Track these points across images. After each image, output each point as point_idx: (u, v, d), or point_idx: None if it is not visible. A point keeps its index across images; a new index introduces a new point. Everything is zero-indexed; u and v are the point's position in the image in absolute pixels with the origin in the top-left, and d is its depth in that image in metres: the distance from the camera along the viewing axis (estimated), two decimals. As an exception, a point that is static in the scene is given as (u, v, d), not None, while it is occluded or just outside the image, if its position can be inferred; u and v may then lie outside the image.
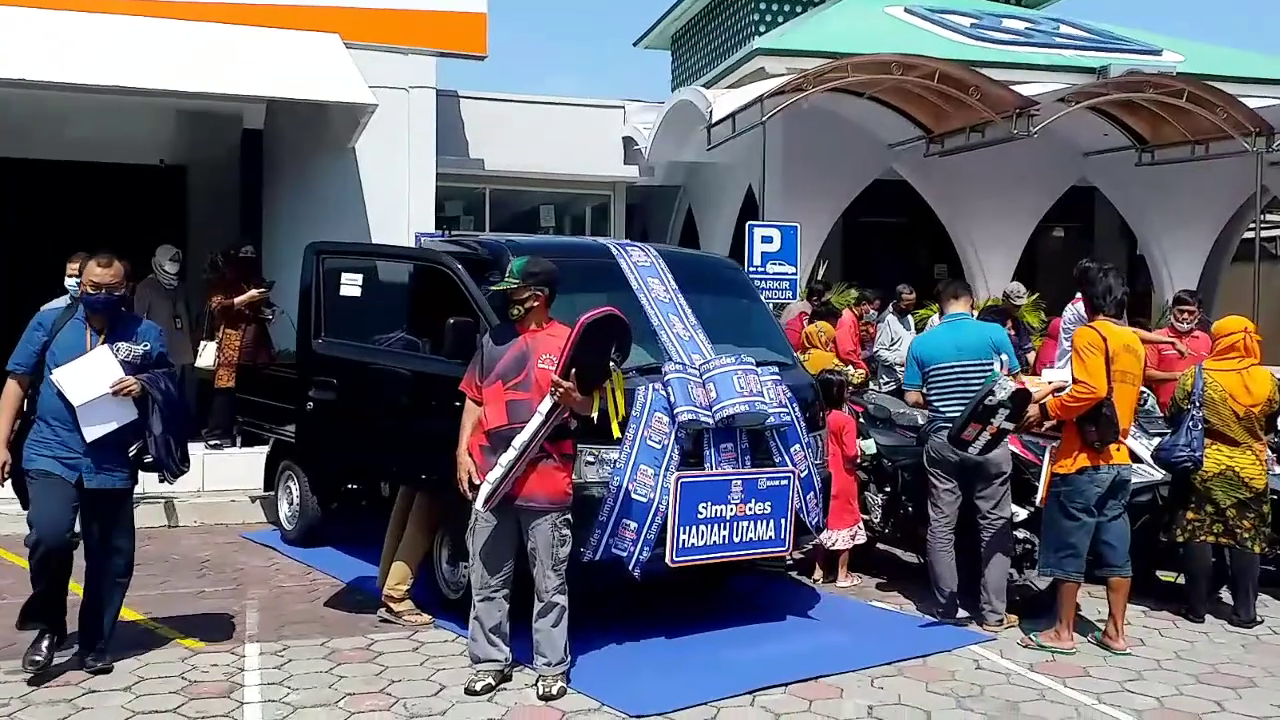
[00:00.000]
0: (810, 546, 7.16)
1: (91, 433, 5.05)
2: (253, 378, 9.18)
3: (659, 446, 5.68)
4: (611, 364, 5.07)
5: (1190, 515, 6.35)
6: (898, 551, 7.75)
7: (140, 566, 7.38)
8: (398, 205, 11.68)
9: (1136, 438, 6.96)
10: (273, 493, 8.52)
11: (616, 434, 5.22)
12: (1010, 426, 5.81)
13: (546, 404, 4.95)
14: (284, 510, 8.36)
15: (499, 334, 5.23)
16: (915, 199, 15.81)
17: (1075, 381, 5.65)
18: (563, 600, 5.15)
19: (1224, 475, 6.23)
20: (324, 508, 7.94)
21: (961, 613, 6.36)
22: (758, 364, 6.06)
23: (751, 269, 11.50)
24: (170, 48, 10.02)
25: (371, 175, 11.81)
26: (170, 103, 10.48)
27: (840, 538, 7.08)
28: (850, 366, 10.01)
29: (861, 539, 7.21)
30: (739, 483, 5.81)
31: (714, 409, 5.77)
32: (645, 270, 6.40)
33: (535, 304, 5.16)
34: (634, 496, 5.57)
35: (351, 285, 6.04)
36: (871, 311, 10.89)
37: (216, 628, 6.09)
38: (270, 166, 11.42)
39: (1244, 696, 5.22)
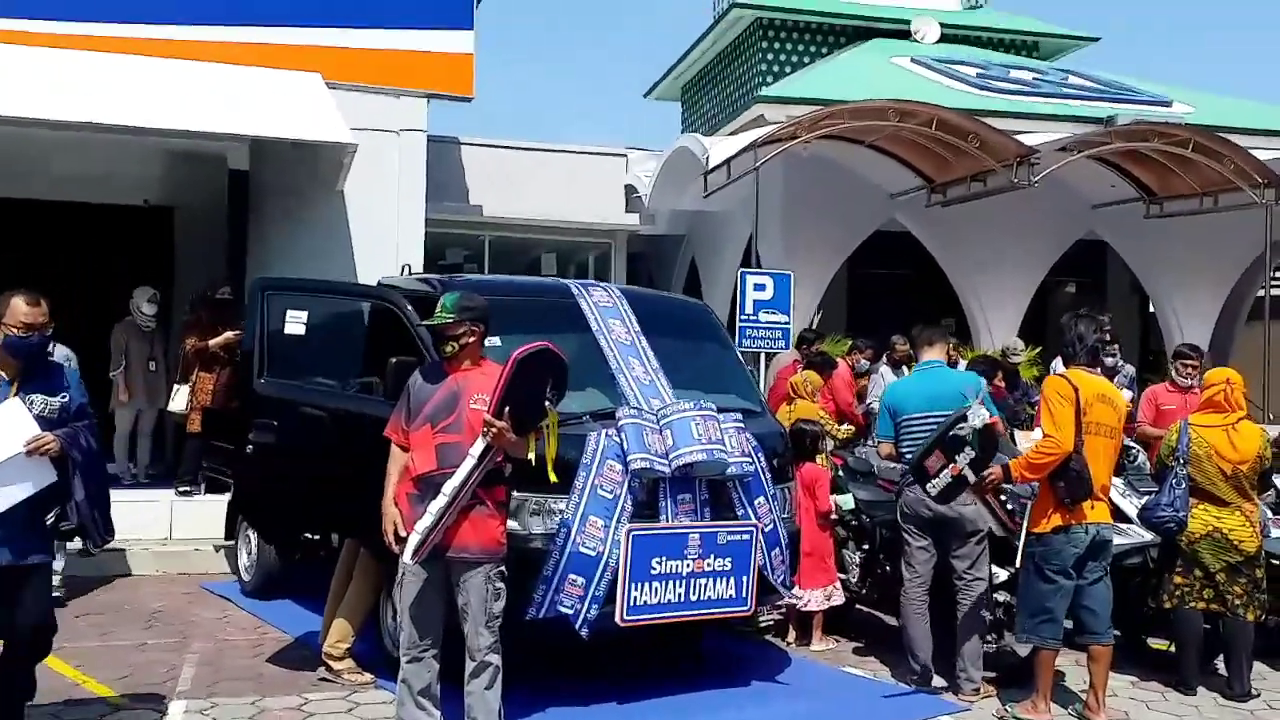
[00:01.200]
0: (782, 606, 6.81)
1: (1, 501, 4.35)
2: (218, 422, 8.93)
3: (610, 496, 5.38)
4: (547, 403, 4.78)
5: (1178, 580, 5.98)
6: (880, 614, 7.38)
7: (87, 616, 7.21)
8: (387, 248, 11.46)
9: (1126, 496, 6.63)
10: (233, 542, 8.23)
11: (553, 478, 4.92)
12: (971, 477, 5.45)
13: (479, 446, 4.65)
14: (243, 560, 8.07)
15: (427, 374, 4.94)
16: (922, 251, 15.56)
17: (1043, 435, 5.32)
18: (496, 660, 4.82)
19: (1211, 537, 5.86)
20: (282, 558, 7.65)
21: (937, 680, 5.99)
22: (720, 410, 5.77)
23: (743, 317, 11.26)
24: (150, 85, 9.89)
25: (360, 218, 11.63)
26: (154, 142, 10.34)
27: (814, 598, 6.72)
28: (843, 422, 9.70)
29: (838, 600, 6.84)
30: (697, 536, 5.50)
31: (670, 457, 5.48)
32: (607, 311, 6.15)
33: (470, 340, 4.88)
34: (582, 550, 5.27)
35: (296, 323, 5.79)
36: (863, 362, 10.57)
37: (147, 683, 5.80)
38: (258, 208, 11.28)
39: (1231, 778, 4.84)
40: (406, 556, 4.67)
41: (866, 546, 7.07)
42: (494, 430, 4.63)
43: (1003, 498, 5.93)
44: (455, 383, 4.82)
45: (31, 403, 4.51)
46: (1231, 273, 15.98)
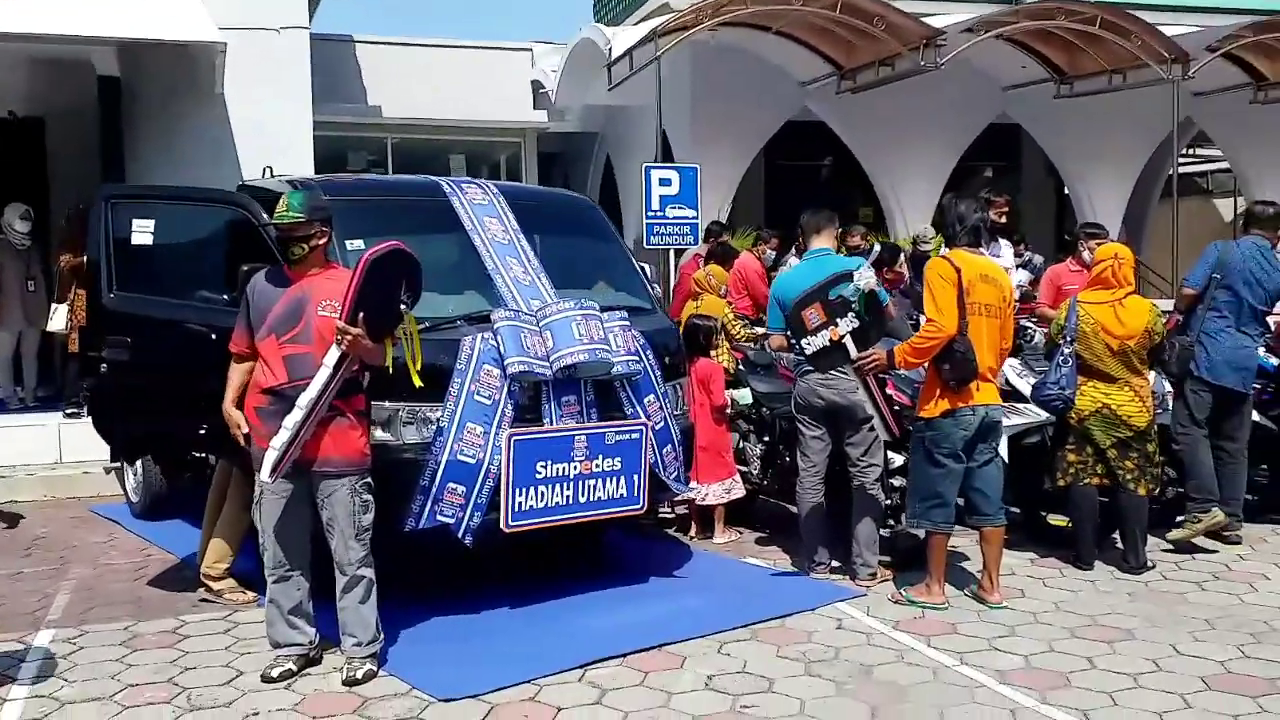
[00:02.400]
0: (682, 502, 6.72)
1: None
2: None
3: (489, 402, 5.17)
4: (402, 306, 4.53)
5: (1071, 457, 5.94)
6: (784, 504, 7.30)
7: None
8: (273, 153, 10.82)
9: (1022, 376, 6.58)
10: (119, 464, 7.91)
11: (417, 382, 4.69)
12: (852, 350, 5.29)
13: (333, 355, 4.39)
14: (130, 482, 7.77)
15: (268, 280, 4.62)
16: (838, 140, 15.33)
17: (925, 320, 5.19)
18: (369, 574, 4.64)
19: (1101, 414, 5.81)
20: (168, 479, 7.38)
21: (835, 567, 5.94)
22: (606, 309, 5.55)
23: (650, 214, 10.99)
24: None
25: (244, 122, 11.03)
26: (14, 49, 9.70)
27: (712, 491, 6.63)
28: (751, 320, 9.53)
29: (738, 493, 6.75)
30: (583, 438, 5.32)
31: (551, 359, 5.26)
32: (481, 209, 5.86)
33: (320, 241, 4.59)
34: (460, 458, 5.07)
35: (143, 232, 5.42)
36: (770, 253, 10.36)
37: (17, 613, 5.55)
38: (134, 116, 10.67)
39: (1118, 650, 4.83)
40: (264, 474, 4.43)
41: (767, 439, 6.96)
42: (348, 338, 4.37)
43: (889, 393, 5.80)
44: (300, 289, 4.53)
45: None
46: (1142, 152, 16.00)
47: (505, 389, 5.18)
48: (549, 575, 5.89)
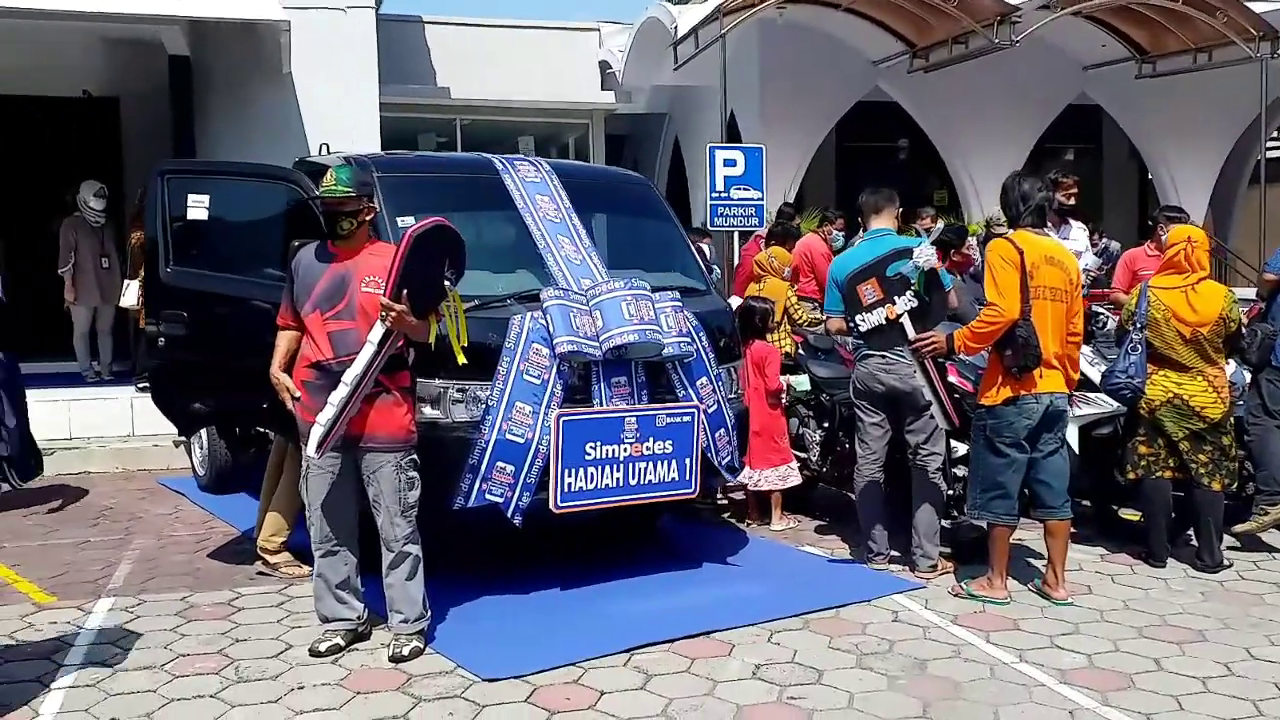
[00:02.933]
0: (737, 489, 6.62)
1: None
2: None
3: (538, 381, 5.11)
4: (446, 283, 4.48)
5: (1142, 450, 5.72)
6: (845, 492, 7.17)
7: (35, 515, 7.04)
8: (340, 132, 10.94)
9: (1094, 364, 6.35)
10: (186, 438, 8.02)
11: (461, 359, 4.66)
12: (910, 330, 5.16)
13: (378, 332, 4.37)
14: (196, 455, 7.88)
15: (312, 255, 4.60)
16: (912, 121, 15.04)
17: (986, 303, 5.01)
18: (416, 550, 4.62)
19: (1172, 404, 5.58)
20: (232, 453, 7.45)
21: (894, 558, 5.80)
22: (657, 289, 5.46)
23: (714, 195, 10.88)
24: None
25: (311, 101, 11.13)
26: (87, 29, 9.89)
27: (765, 478, 6.50)
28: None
29: (794, 481, 6.61)
30: (633, 420, 5.24)
31: (601, 339, 5.19)
32: (534, 187, 5.80)
33: (368, 218, 4.57)
34: (509, 437, 5.02)
35: (198, 207, 5.44)
36: (836, 234, 10.15)
37: (80, 581, 5.64)
38: (204, 96, 10.83)
39: (1188, 652, 4.63)
40: (310, 450, 4.43)
41: (826, 425, 6.82)
42: (392, 314, 4.34)
43: (951, 379, 5.64)
44: (344, 265, 4.51)
45: None
46: (1229, 134, 15.47)
47: (554, 369, 5.12)
48: (600, 559, 5.83)
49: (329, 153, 6.21)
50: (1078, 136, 16.86)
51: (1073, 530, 6.27)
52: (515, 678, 4.30)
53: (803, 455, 6.87)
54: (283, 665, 4.47)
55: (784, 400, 6.66)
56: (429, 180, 5.90)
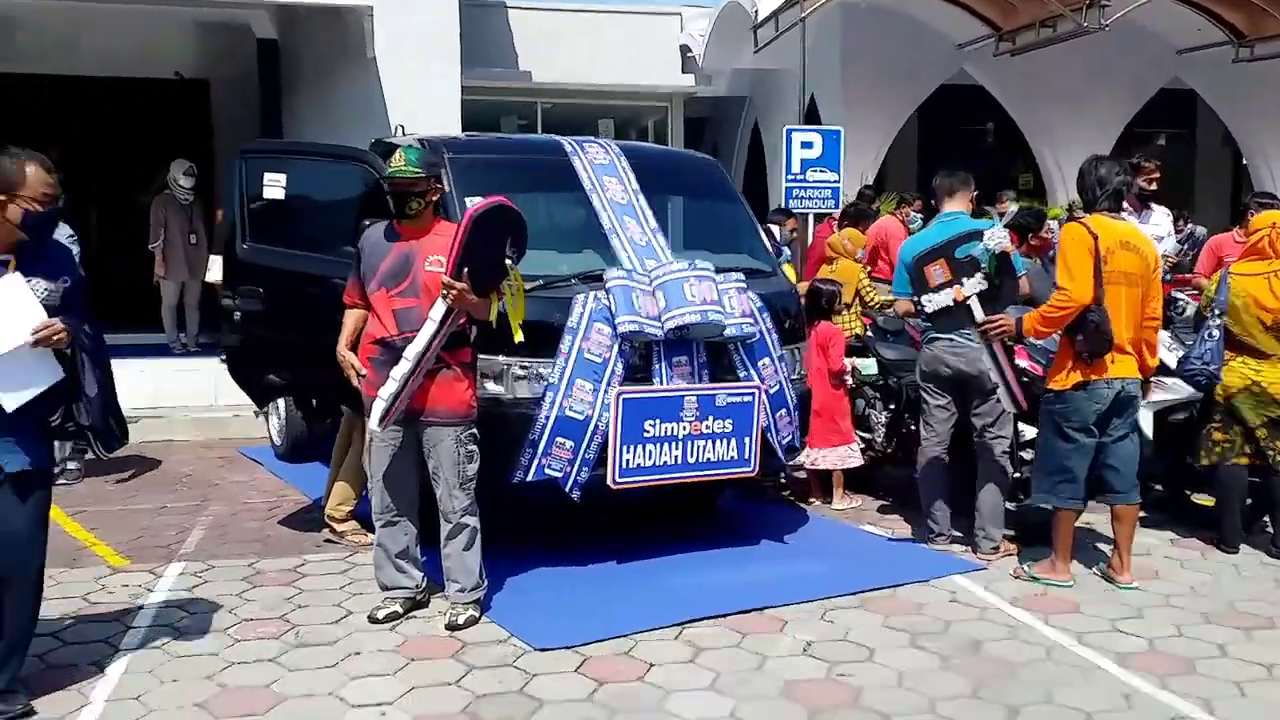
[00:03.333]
0: (798, 468, 6.59)
1: (11, 400, 3.61)
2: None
3: (599, 360, 5.15)
4: (508, 261, 4.54)
5: (1217, 435, 5.56)
6: (911, 472, 7.09)
7: (116, 480, 7.29)
8: (421, 116, 11.15)
9: (1172, 350, 6.18)
10: (262, 409, 8.23)
11: (518, 337, 4.72)
12: (978, 312, 5.10)
13: (439, 309, 4.44)
14: (274, 425, 8.10)
15: (379, 235, 4.68)
16: (997, 104, 14.77)
17: (1057, 287, 4.91)
18: (474, 522, 4.69)
19: (1250, 391, 5.41)
20: (308, 423, 7.64)
21: (957, 537, 5.74)
22: (722, 270, 5.45)
23: (790, 177, 10.81)
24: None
25: (394, 84, 11.30)
26: (180, 13, 10.20)
27: (825, 458, 6.46)
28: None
29: (855, 462, 6.55)
30: (693, 399, 5.25)
31: (663, 319, 5.21)
32: (602, 169, 5.82)
33: (435, 198, 4.64)
34: (569, 413, 5.06)
35: (274, 186, 5.58)
36: (915, 215, 9.98)
37: (154, 545, 5.84)
38: (291, 78, 11.11)
39: (1255, 638, 4.51)
40: (373, 424, 4.53)
41: (893, 406, 6.75)
42: (454, 292, 4.41)
43: (1021, 363, 5.54)
44: (408, 244, 4.59)
45: (34, 285, 3.70)
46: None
47: (616, 348, 5.15)
48: (659, 534, 5.85)
49: (404, 134, 6.30)
50: (1170, 121, 16.39)
51: (1144, 515, 6.18)
52: (566, 648, 4.35)
53: (867, 436, 6.82)
54: (341, 631, 4.58)
55: (848, 382, 6.59)
56: (499, 162, 5.95)
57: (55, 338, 3.65)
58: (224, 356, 8.39)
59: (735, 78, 16.54)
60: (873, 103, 13.59)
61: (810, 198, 10.72)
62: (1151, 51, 13.83)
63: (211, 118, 11.95)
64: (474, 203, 5.16)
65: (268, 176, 5.57)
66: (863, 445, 6.73)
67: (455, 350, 4.60)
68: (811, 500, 6.69)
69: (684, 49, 16.01)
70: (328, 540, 5.84)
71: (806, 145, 10.67)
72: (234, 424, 8.99)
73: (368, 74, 11.35)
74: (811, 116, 14.25)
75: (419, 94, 11.29)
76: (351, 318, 4.75)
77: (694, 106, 17.70)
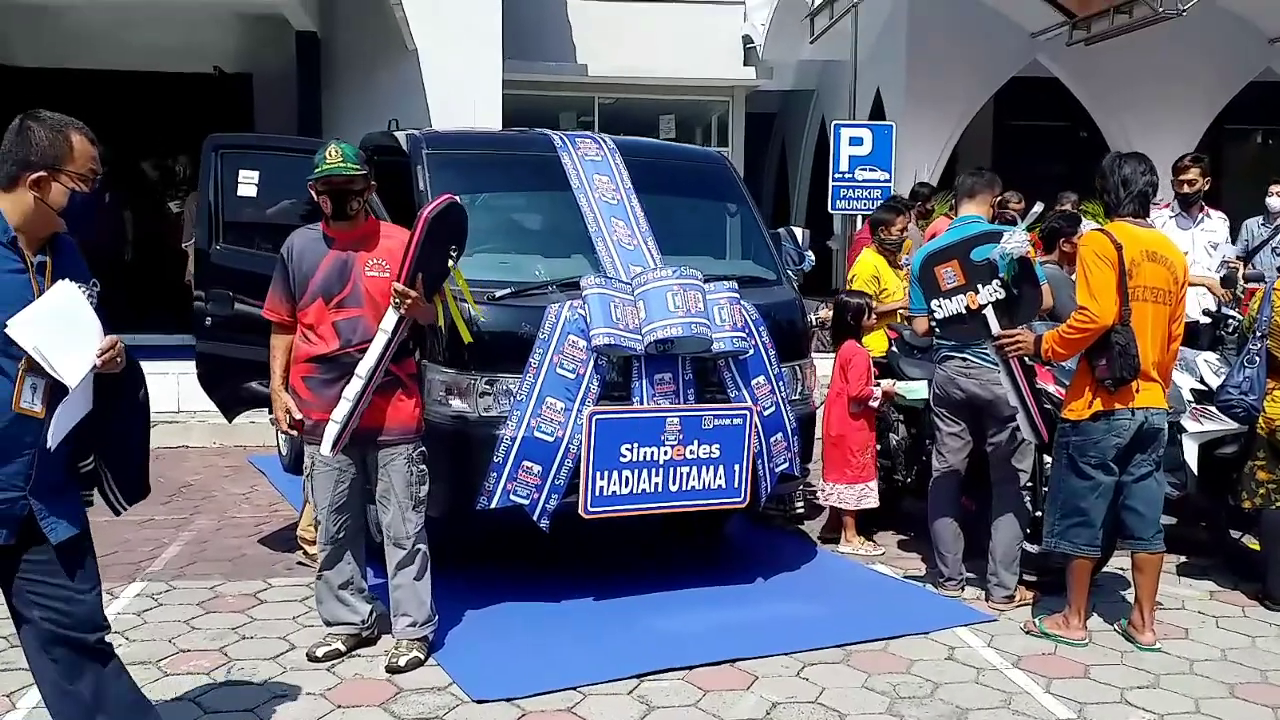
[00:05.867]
0: (808, 492, 6.13)
1: (57, 434, 2.79)
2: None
3: (572, 376, 4.77)
4: (450, 262, 4.19)
5: (1261, 475, 4.97)
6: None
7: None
8: (463, 110, 10.92)
9: (1219, 372, 5.60)
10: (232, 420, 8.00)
11: (467, 338, 4.40)
12: (993, 325, 4.64)
13: (391, 319, 4.11)
14: (281, 435, 7.86)
15: (305, 242, 4.31)
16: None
17: (1077, 306, 4.38)
18: (425, 547, 4.36)
19: (1297, 426, 4.82)
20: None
21: (969, 580, 5.24)
22: (709, 279, 5.03)
23: (837, 175, 10.29)
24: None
25: (435, 77, 11.11)
26: (218, 6, 10.06)
27: (839, 494, 5.91)
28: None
29: (870, 502, 5.93)
30: (675, 420, 4.85)
31: (644, 332, 4.80)
32: (592, 165, 5.44)
33: (369, 196, 4.31)
34: (538, 435, 4.70)
35: (248, 184, 5.31)
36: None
37: (124, 562, 5.62)
38: (331, 72, 10.95)
39: (1286, 720, 3.96)
40: (325, 449, 4.20)
41: (914, 431, 6.23)
42: (408, 301, 4.07)
43: (1045, 387, 5.01)
44: (343, 249, 4.24)
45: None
46: None
47: (591, 363, 4.77)
48: (641, 566, 5.49)
49: (397, 128, 5.98)
50: (1266, 116, 15.36)
51: (1185, 560, 5.61)
52: (506, 699, 3.99)
53: (887, 464, 6.30)
54: (275, 670, 4.28)
55: (874, 407, 5.95)
56: (479, 157, 5.62)
57: (118, 359, 2.87)
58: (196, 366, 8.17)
59: (801, 70, 15.99)
60: (940, 96, 12.94)
61: (858, 197, 10.18)
62: (1242, 39, 12.92)
63: (254, 113, 11.83)
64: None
65: (241, 173, 5.31)
66: (883, 475, 6.19)
67: (401, 361, 4.28)
68: (827, 532, 6.18)
69: (746, 40, 15.51)
70: (300, 563, 5.57)
71: (856, 142, 10.14)
72: (250, 430, 8.74)
73: (408, 67, 11.16)
74: (879, 112, 13.65)
75: (459, 86, 11.07)
76: (282, 345, 4.39)
77: (760, 101, 17.18)
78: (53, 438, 2.78)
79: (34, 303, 2.74)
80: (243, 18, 10.70)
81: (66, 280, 2.81)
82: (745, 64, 15.52)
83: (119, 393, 2.95)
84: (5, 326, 2.68)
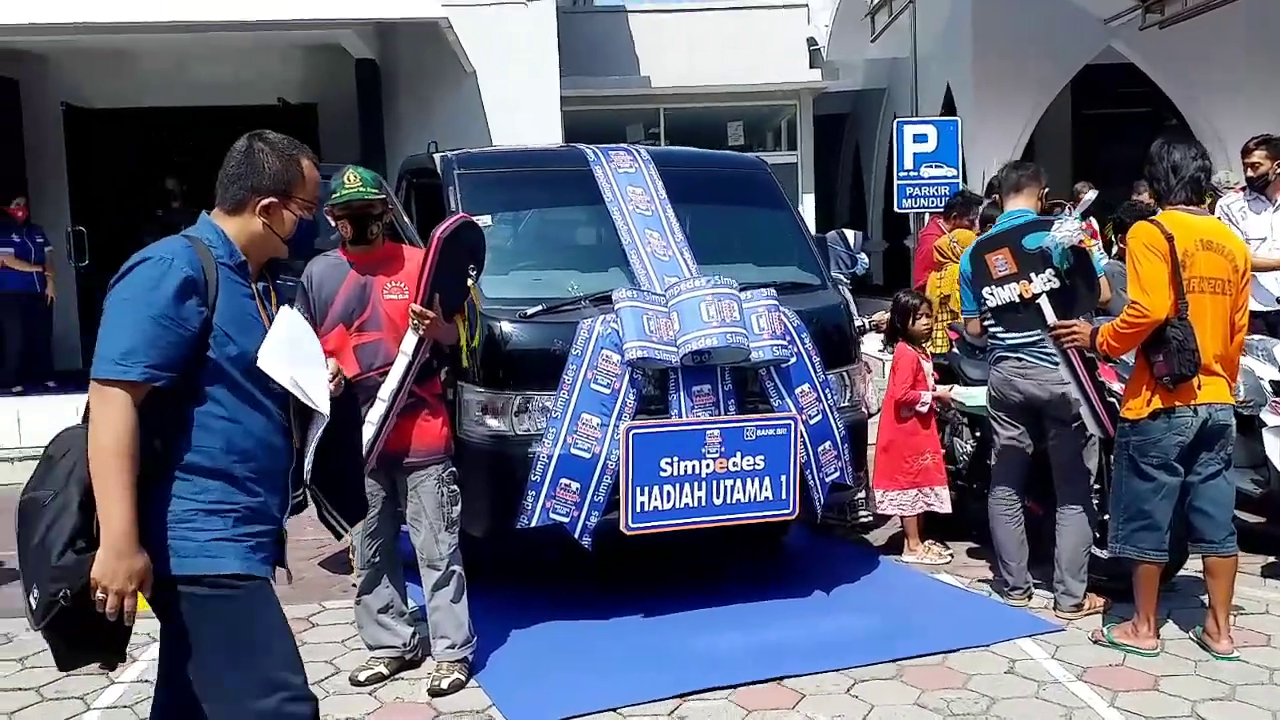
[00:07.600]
0: (856, 508, 5.95)
1: (309, 460, 2.76)
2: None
3: (608, 391, 4.69)
4: (470, 281, 4.16)
5: (1341, 472, 4.67)
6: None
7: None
8: (523, 129, 10.96)
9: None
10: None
11: (465, 362, 4.33)
12: (1049, 314, 4.49)
13: (410, 341, 4.09)
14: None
15: (325, 267, 4.29)
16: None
17: (1129, 300, 4.16)
18: (460, 568, 4.32)
19: (1373, 419, 4.51)
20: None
21: (1035, 587, 5.03)
22: (746, 287, 4.91)
23: (901, 173, 10.06)
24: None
25: (494, 98, 11.16)
26: (278, 39, 10.26)
27: (891, 500, 5.73)
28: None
29: (938, 508, 5.72)
30: (716, 433, 4.73)
31: (679, 343, 4.70)
32: (626, 178, 5.36)
33: (387, 219, 4.30)
34: (574, 451, 4.63)
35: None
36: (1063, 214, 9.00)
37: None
38: (393, 98, 11.08)
39: (1375, 733, 3.69)
40: None
41: (979, 434, 6.00)
42: (427, 321, 4.05)
43: (1109, 384, 4.78)
44: (362, 273, 4.23)
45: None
46: None
47: (626, 377, 4.68)
48: (690, 581, 5.38)
49: (437, 149, 5.98)
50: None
51: (1270, 560, 5.32)
52: (543, 724, 3.92)
53: (952, 468, 6.08)
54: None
55: (924, 410, 5.74)
56: (510, 175, 5.59)
57: (341, 382, 2.83)
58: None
59: (870, 70, 15.74)
60: (1008, 88, 12.59)
61: (924, 195, 9.94)
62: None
63: (320, 142, 12.03)
64: (483, 222, 4.82)
65: None
66: (950, 477, 5.96)
67: (426, 383, 4.25)
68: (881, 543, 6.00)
69: (810, 42, 15.31)
70: (354, 584, 5.56)
71: (920, 139, 9.91)
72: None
73: (467, 90, 11.24)
74: (950, 108, 13.36)
75: (518, 106, 11.11)
76: None
77: (831, 102, 16.97)
78: (309, 464, 2.73)
79: (270, 333, 2.62)
80: (303, 49, 10.90)
81: (288, 306, 2.73)
82: (811, 66, 15.32)
83: (342, 416, 2.79)
84: (257, 359, 2.55)
